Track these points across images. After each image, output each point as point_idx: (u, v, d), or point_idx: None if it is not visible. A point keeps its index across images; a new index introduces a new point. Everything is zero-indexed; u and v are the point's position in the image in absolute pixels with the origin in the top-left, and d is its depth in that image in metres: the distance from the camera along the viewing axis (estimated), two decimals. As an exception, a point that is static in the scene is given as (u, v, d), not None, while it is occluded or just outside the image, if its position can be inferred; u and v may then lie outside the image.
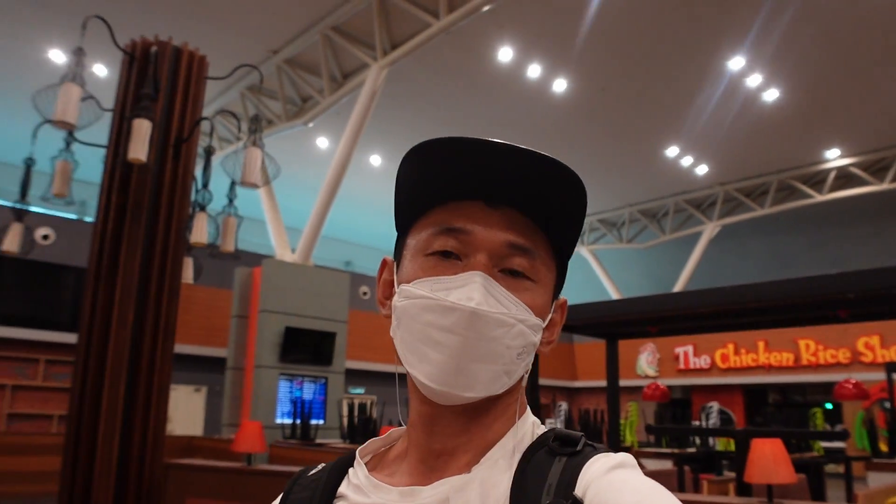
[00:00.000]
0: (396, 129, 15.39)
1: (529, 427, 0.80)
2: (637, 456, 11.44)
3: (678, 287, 20.34)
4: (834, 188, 17.66)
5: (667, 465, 10.51)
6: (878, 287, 5.29)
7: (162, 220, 5.17)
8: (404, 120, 15.03)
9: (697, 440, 11.88)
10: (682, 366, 20.76)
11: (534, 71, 13.25)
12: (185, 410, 15.72)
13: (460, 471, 0.75)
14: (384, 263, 0.86)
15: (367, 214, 20.20)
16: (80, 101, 4.82)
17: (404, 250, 0.82)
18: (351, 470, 0.83)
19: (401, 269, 0.81)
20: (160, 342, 5.04)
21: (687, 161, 17.47)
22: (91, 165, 6.39)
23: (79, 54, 4.99)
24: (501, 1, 10.47)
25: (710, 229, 20.26)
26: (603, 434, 11.68)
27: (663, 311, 7.22)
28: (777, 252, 21.63)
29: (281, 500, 0.85)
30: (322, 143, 16.51)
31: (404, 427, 0.85)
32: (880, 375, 15.52)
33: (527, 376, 0.79)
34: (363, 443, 0.88)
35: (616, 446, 8.78)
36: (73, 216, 15.48)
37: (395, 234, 0.86)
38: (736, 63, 12.79)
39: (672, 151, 16.84)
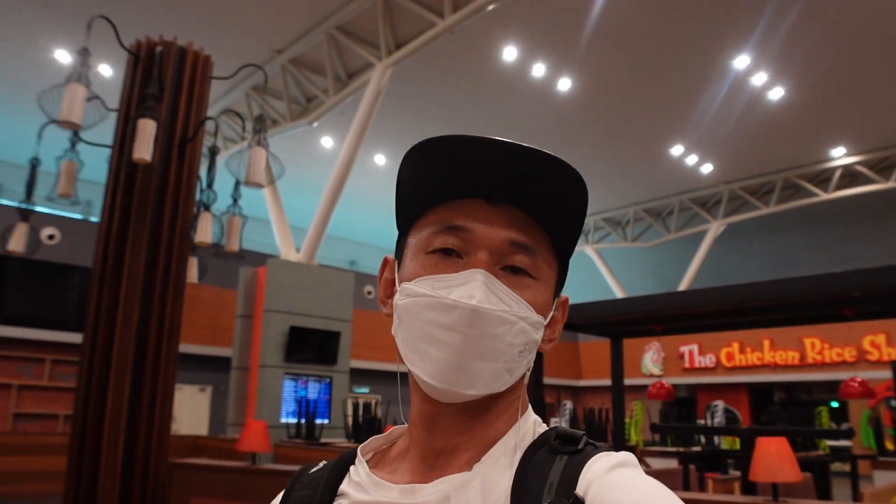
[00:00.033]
0: (401, 129, 15.39)
1: (531, 425, 0.80)
2: (642, 455, 11.47)
3: (683, 286, 20.32)
4: (839, 187, 17.61)
5: (672, 463, 10.50)
6: (884, 285, 5.28)
7: (167, 220, 5.18)
8: (409, 119, 15.04)
9: (703, 439, 11.86)
10: (687, 364, 20.72)
11: (538, 70, 13.24)
12: (190, 410, 15.74)
13: (461, 469, 0.75)
14: (385, 262, 0.86)
15: (371, 214, 20.21)
16: (85, 102, 4.83)
17: (405, 249, 0.81)
18: (352, 467, 0.82)
19: (402, 268, 0.81)
20: (165, 342, 5.05)
21: (692, 160, 17.44)
22: (96, 165, 6.41)
23: (84, 54, 5.00)
24: (506, 0, 10.46)
25: (714, 228, 20.23)
26: (608, 433, 11.67)
27: (668, 309, 7.22)
28: (782, 251, 21.59)
29: (283, 497, 0.85)
30: (326, 142, 16.52)
31: (406, 425, 0.85)
32: (886, 374, 15.48)
33: (528, 374, 0.79)
34: None
35: (621, 445, 8.78)
36: (78, 216, 15.51)
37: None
38: (741, 62, 12.77)
39: (677, 150, 16.82)
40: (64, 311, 14.11)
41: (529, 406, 0.82)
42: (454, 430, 0.77)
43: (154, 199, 5.14)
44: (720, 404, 11.84)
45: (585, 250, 23.19)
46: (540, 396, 7.51)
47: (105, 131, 5.32)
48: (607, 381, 9.11)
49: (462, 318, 0.71)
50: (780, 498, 4.37)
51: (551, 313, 0.81)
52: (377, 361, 17.25)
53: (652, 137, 16.21)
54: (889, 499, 6.26)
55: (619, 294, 22.21)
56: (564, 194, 0.75)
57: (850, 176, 17.50)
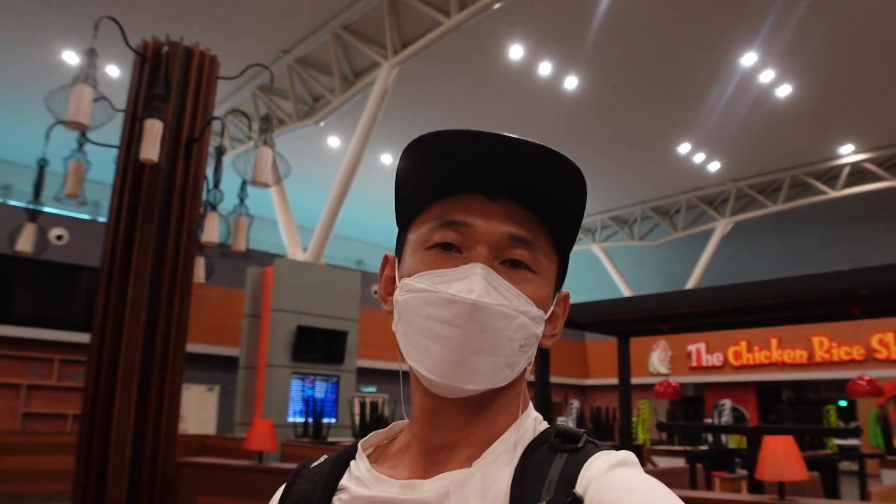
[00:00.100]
0: (407, 128, 15.39)
1: (532, 423, 0.80)
2: (649, 454, 11.45)
3: (690, 284, 20.26)
4: (848, 184, 17.53)
5: (679, 462, 10.48)
6: (892, 283, 5.25)
7: (174, 220, 5.20)
8: (415, 119, 15.04)
9: (710, 438, 11.84)
10: (694, 363, 20.67)
11: (545, 69, 13.22)
12: (198, 409, 15.78)
13: (461, 465, 0.75)
14: (386, 259, 0.86)
15: (378, 213, 20.22)
16: (92, 102, 4.85)
17: (405, 245, 0.82)
18: (353, 462, 0.83)
19: (402, 265, 0.81)
20: (172, 341, 5.07)
21: (699, 158, 17.39)
22: (104, 166, 6.43)
23: (91, 55, 5.02)
24: (511, -1, 10.47)
25: (722, 226, 20.17)
26: (615, 432, 11.66)
27: (675, 308, 7.20)
28: (790, 249, 21.51)
29: (284, 491, 0.85)
30: (333, 142, 16.53)
31: (407, 420, 0.85)
32: (895, 372, 15.44)
33: (529, 369, 0.79)
34: None
35: (628, 444, 8.77)
36: (86, 216, 15.57)
37: None
38: (748, 59, 12.73)
39: (684, 148, 16.78)
40: (72, 311, 14.17)
41: (530, 403, 0.82)
42: (454, 426, 0.77)
43: (161, 199, 5.16)
44: (727, 403, 11.83)
45: (592, 249, 23.15)
46: (547, 395, 7.51)
47: (112, 132, 5.34)
48: (614, 380, 9.08)
49: (461, 313, 0.71)
50: (787, 497, 4.36)
51: (552, 308, 0.81)
52: (384, 361, 17.26)
53: (659, 135, 16.17)
54: (897, 497, 6.24)
55: (626, 293, 22.17)
56: (563, 188, 0.75)
57: (858, 173, 17.42)
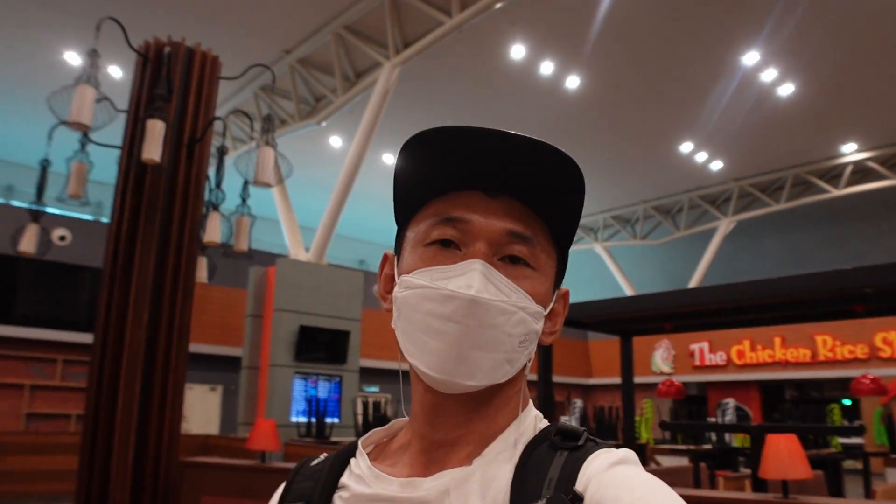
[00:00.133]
0: (409, 128, 15.20)
1: (532, 420, 0.80)
2: (653, 453, 11.44)
3: (693, 283, 20.25)
4: (850, 183, 17.51)
5: (683, 461, 10.47)
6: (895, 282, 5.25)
7: (176, 220, 5.20)
8: (417, 118, 15.03)
9: (714, 437, 11.82)
10: (697, 362, 20.66)
11: (546, 68, 13.22)
12: (201, 409, 15.80)
13: (461, 463, 0.75)
14: (385, 258, 0.86)
15: (380, 213, 20.22)
16: (94, 103, 4.85)
17: (404, 243, 0.82)
18: (353, 460, 0.83)
19: (401, 262, 0.81)
20: (175, 342, 5.07)
21: (701, 157, 17.38)
22: (106, 166, 6.44)
23: (93, 56, 5.02)
24: (513, -2, 10.46)
25: (724, 225, 20.15)
26: (618, 431, 11.65)
27: (678, 307, 7.20)
28: (793, 248, 21.49)
29: (284, 489, 0.85)
30: (335, 142, 16.54)
31: (406, 418, 0.85)
32: (899, 371, 15.40)
33: (529, 365, 0.79)
34: None
35: (631, 443, 8.77)
36: (89, 217, 15.59)
37: None
38: (750, 58, 12.72)
39: (686, 147, 16.77)
40: (76, 311, 14.19)
41: (531, 401, 0.82)
42: (454, 423, 0.77)
43: (163, 200, 5.16)
44: (731, 402, 11.81)
45: (595, 248, 23.14)
46: (550, 395, 7.51)
47: (114, 132, 5.34)
48: (617, 380, 9.10)
49: (460, 309, 0.71)
50: (791, 495, 4.35)
51: (551, 305, 0.81)
52: (387, 360, 17.27)
53: (661, 135, 16.16)
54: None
55: (628, 292, 22.15)
56: (561, 184, 0.75)
57: (861, 172, 17.40)
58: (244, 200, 6.20)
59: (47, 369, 13.83)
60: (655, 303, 7.30)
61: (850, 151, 16.91)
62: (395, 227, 0.87)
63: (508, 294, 0.73)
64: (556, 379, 8.01)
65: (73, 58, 12.59)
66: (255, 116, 13.32)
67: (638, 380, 11.11)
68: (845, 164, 17.28)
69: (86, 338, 12.94)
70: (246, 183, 5.93)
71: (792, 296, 6.16)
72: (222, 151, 6.14)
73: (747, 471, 8.81)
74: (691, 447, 11.29)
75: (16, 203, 15.88)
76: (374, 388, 18.16)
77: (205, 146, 5.52)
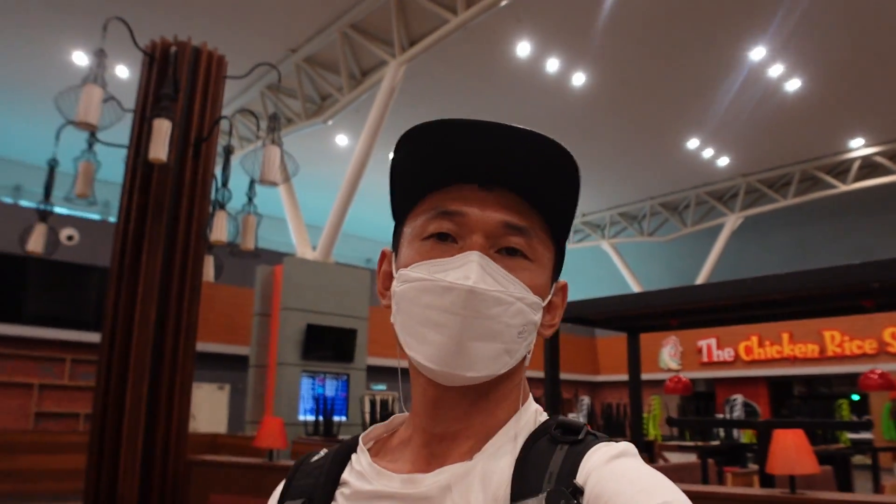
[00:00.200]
0: (415, 126, 15.37)
1: (532, 414, 0.80)
2: (661, 449, 11.43)
3: (700, 280, 20.22)
4: (858, 178, 17.45)
5: (691, 458, 10.47)
6: (903, 277, 5.22)
7: (182, 219, 5.22)
8: (423, 116, 14.63)
9: (722, 433, 11.81)
10: (705, 359, 20.61)
11: (552, 65, 13.21)
12: (209, 408, 15.84)
13: (462, 457, 0.75)
14: (383, 255, 0.87)
15: (386, 211, 19.62)
16: (101, 103, 4.87)
17: (401, 238, 0.82)
18: (354, 456, 0.83)
19: (399, 257, 0.81)
20: (182, 340, 5.09)
21: (708, 153, 17.34)
22: (113, 166, 6.46)
23: (100, 56, 5.04)
24: (518, -5, 10.45)
25: (732, 221, 20.09)
26: (626, 428, 11.65)
27: (685, 303, 7.18)
28: (801, 243, 21.42)
29: (284, 486, 0.85)
30: (341, 140, 16.56)
31: (407, 413, 0.85)
32: (907, 366, 15.32)
33: (529, 357, 0.79)
34: None
35: (638, 440, 8.76)
36: (96, 216, 15.64)
37: None
38: (757, 53, 12.67)
39: (693, 143, 16.73)
40: (84, 311, 14.24)
41: (531, 395, 0.83)
42: (455, 416, 0.77)
43: (170, 199, 5.18)
44: (739, 398, 11.78)
45: (602, 245, 23.12)
46: (557, 392, 7.51)
47: (121, 132, 5.36)
48: (625, 377, 9.07)
49: (458, 300, 0.71)
50: (799, 491, 4.35)
51: (549, 297, 0.81)
52: (394, 358, 16.86)
53: (667, 131, 16.13)
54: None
55: (635, 289, 22.12)
56: (556, 174, 0.75)
57: (868, 167, 17.33)
58: (250, 199, 6.21)
59: (56, 369, 13.89)
60: (663, 299, 7.29)
61: (858, 146, 16.84)
62: (400, 227, 0.88)
63: (506, 285, 0.74)
64: (564, 376, 8.00)
65: (81, 58, 12.63)
66: (261, 115, 13.33)
67: (645, 376, 11.09)
68: (853, 159, 17.21)
69: (94, 337, 12.94)
70: (252, 182, 5.95)
71: (800, 291, 6.15)
72: (229, 150, 6.15)
73: (755, 467, 8.79)
74: (699, 443, 11.28)
75: (24, 203, 15.95)
76: (382, 387, 18.17)
77: (211, 145, 5.53)
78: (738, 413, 11.50)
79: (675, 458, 11.19)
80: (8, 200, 16.29)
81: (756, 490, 5.66)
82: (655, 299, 7.41)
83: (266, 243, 11.38)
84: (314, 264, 12.79)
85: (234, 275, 11.42)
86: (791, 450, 4.20)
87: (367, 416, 11.11)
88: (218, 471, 6.07)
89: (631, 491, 0.64)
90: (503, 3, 10.45)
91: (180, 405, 5.02)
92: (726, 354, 20.14)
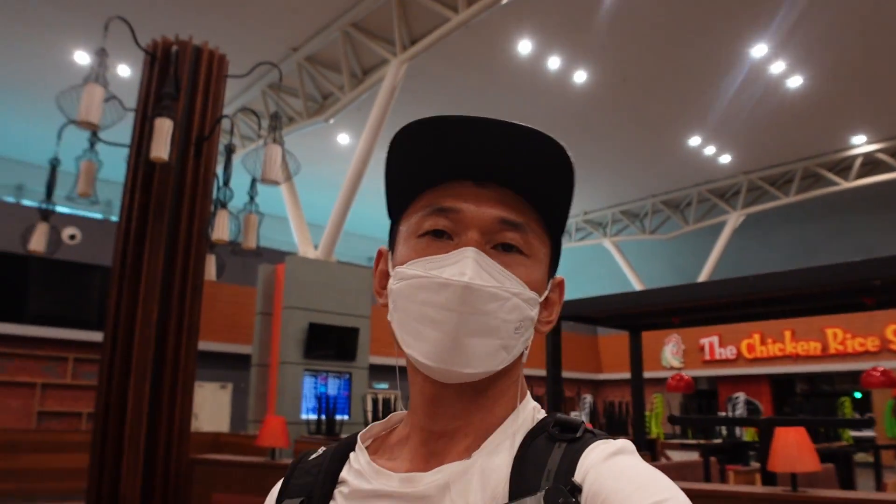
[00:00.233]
0: (417, 124, 15.36)
1: (530, 412, 0.80)
2: (663, 448, 11.43)
3: (702, 278, 20.19)
4: (860, 175, 17.42)
5: (693, 456, 10.46)
6: (905, 274, 5.22)
7: (184, 218, 5.23)
8: (425, 114, 14.23)
9: (724, 431, 11.80)
10: (707, 357, 20.60)
11: (553, 63, 13.20)
12: (212, 407, 15.85)
13: (460, 456, 0.75)
14: (379, 254, 0.87)
15: (388, 210, 20.17)
16: (103, 102, 4.88)
17: (397, 237, 0.82)
18: (352, 455, 0.83)
19: (395, 256, 0.81)
20: (184, 339, 5.09)
21: (710, 150, 17.32)
22: (115, 165, 6.47)
23: (101, 55, 5.04)
24: (519, -7, 10.44)
25: (734, 219, 20.08)
26: (628, 426, 11.64)
27: (687, 301, 7.19)
28: (803, 241, 21.40)
29: (283, 484, 0.85)
30: (343, 139, 16.56)
31: (405, 411, 0.85)
32: (910, 364, 15.31)
33: (526, 353, 0.79)
34: None
35: (641, 438, 8.77)
36: (98, 216, 15.66)
37: None
38: (759, 50, 12.66)
39: (694, 141, 16.71)
40: (86, 310, 14.26)
41: (528, 393, 0.83)
42: (453, 413, 0.77)
43: (171, 198, 5.19)
44: (741, 396, 11.77)
45: (603, 243, 23.11)
46: (559, 391, 7.51)
47: (123, 131, 5.37)
48: (627, 375, 9.07)
49: (454, 296, 0.71)
50: (801, 488, 4.35)
51: (546, 292, 0.81)
52: (396, 357, 17.25)
53: (669, 129, 16.12)
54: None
55: (637, 287, 22.09)
56: (549, 168, 0.75)
57: (871, 164, 17.30)
58: (252, 198, 6.22)
59: (58, 368, 13.91)
60: (664, 297, 7.29)
61: (860, 143, 16.82)
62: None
63: (502, 280, 0.74)
64: (566, 374, 8.01)
65: (82, 57, 12.65)
66: (262, 114, 13.34)
67: (648, 375, 11.09)
68: (855, 157, 17.18)
69: (97, 336, 12.93)
70: (254, 181, 5.95)
71: (802, 289, 6.15)
72: (230, 149, 6.16)
73: (758, 465, 8.79)
74: (701, 441, 11.28)
75: (26, 202, 15.97)
76: (384, 385, 18.18)
77: (213, 144, 5.54)
78: (740, 411, 11.49)
79: (677, 456, 11.19)
80: (10, 200, 16.31)
81: (758, 488, 5.66)
82: (657, 297, 7.41)
83: (268, 242, 11.39)
84: (316, 263, 12.80)
85: (236, 274, 11.44)
86: (792, 447, 4.20)
87: (370, 415, 11.11)
88: (220, 470, 6.07)
89: (629, 488, 0.64)
90: (504, 2, 10.45)
91: (182, 404, 5.02)
92: (728, 352, 20.12)
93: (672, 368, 20.57)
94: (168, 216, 5.14)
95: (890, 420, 14.75)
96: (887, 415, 15.12)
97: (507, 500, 0.69)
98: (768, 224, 21.22)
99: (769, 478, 6.23)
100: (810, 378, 20.39)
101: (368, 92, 12.88)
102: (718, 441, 11.34)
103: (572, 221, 23.04)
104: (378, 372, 17.15)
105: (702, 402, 15.40)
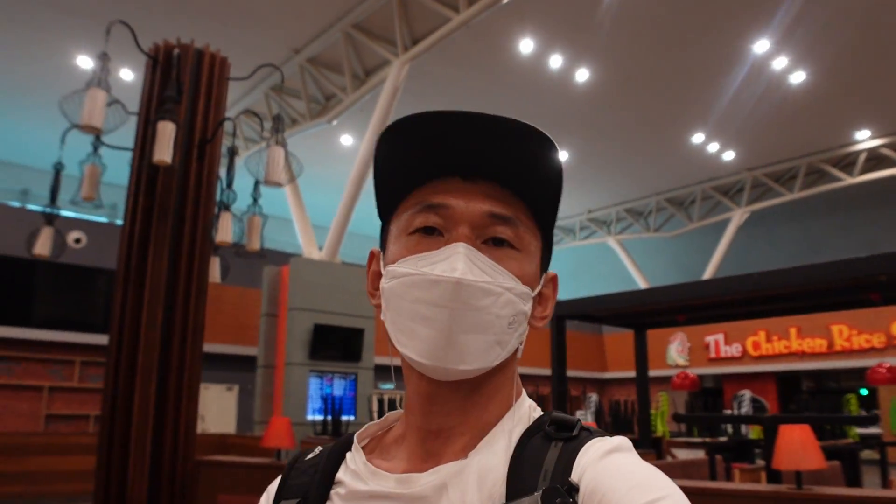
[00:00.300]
0: (419, 124, 15.36)
1: (526, 410, 0.80)
2: (669, 446, 11.41)
3: (707, 275, 20.14)
4: (865, 170, 17.37)
5: (699, 454, 10.45)
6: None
7: (188, 221, 5.24)
8: None
9: (730, 429, 11.78)
10: (712, 354, 20.56)
11: (555, 62, 13.19)
12: (218, 409, 15.88)
13: (457, 455, 0.75)
14: (372, 255, 0.86)
15: (392, 210, 20.18)
16: (105, 106, 4.90)
17: (388, 236, 0.82)
18: (349, 455, 0.82)
19: (386, 255, 0.81)
20: (189, 341, 5.11)
21: (713, 147, 17.29)
22: (119, 168, 6.49)
23: (104, 59, 5.06)
24: (521, -8, 10.44)
25: (738, 216, 20.04)
26: (634, 425, 11.63)
27: (692, 299, 7.18)
28: (807, 237, 21.35)
29: (279, 484, 0.85)
30: (346, 140, 16.58)
31: (401, 411, 0.85)
32: (916, 360, 15.26)
33: (521, 349, 0.79)
34: None
35: (646, 437, 8.76)
36: (103, 219, 15.69)
37: None
38: (761, 46, 12.63)
39: (698, 138, 16.68)
40: (92, 313, 14.29)
41: (524, 391, 0.82)
42: (449, 411, 0.77)
43: (175, 201, 5.20)
44: (747, 394, 11.76)
45: (608, 241, 23.08)
46: (564, 390, 7.51)
47: (126, 135, 5.38)
48: (633, 373, 9.07)
49: (446, 292, 0.71)
50: (806, 486, 4.34)
51: (539, 287, 0.80)
52: (391, 357, 17.24)
53: (672, 126, 16.09)
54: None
55: (642, 285, 22.06)
56: (536, 161, 0.75)
57: (875, 159, 17.25)
58: (255, 200, 6.24)
59: (65, 371, 13.95)
60: (669, 295, 7.29)
61: (864, 138, 16.77)
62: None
63: (494, 275, 0.73)
64: (571, 373, 7.99)
65: (85, 61, 12.68)
66: (265, 116, 13.36)
67: (653, 373, 11.09)
68: (859, 152, 17.13)
69: (103, 339, 13.00)
70: (257, 183, 5.97)
71: (807, 285, 6.14)
72: (233, 152, 6.17)
73: (764, 462, 8.78)
74: (707, 440, 11.26)
75: (31, 207, 16.00)
76: (390, 386, 18.16)
77: (215, 147, 5.55)
78: (746, 409, 11.48)
79: (682, 454, 11.18)
80: (15, 204, 16.34)
81: (763, 486, 5.65)
82: (662, 295, 7.41)
83: (272, 244, 11.42)
84: (321, 264, 12.81)
85: (240, 275, 11.45)
86: (797, 445, 4.19)
87: (375, 415, 11.12)
88: (226, 471, 6.08)
89: (626, 486, 0.64)
90: (505, 1, 10.45)
91: (188, 406, 5.04)
92: (734, 350, 20.08)
93: (677, 366, 20.54)
94: (172, 219, 5.16)
95: (896, 416, 14.71)
96: (893, 411, 15.08)
97: (504, 501, 0.69)
98: (773, 221, 21.18)
99: (774, 476, 6.22)
100: (816, 375, 20.34)
101: (371, 93, 12.89)
102: (724, 439, 11.32)
103: (576, 220, 23.04)
104: (384, 372, 17.14)
105: (707, 400, 15.38)
